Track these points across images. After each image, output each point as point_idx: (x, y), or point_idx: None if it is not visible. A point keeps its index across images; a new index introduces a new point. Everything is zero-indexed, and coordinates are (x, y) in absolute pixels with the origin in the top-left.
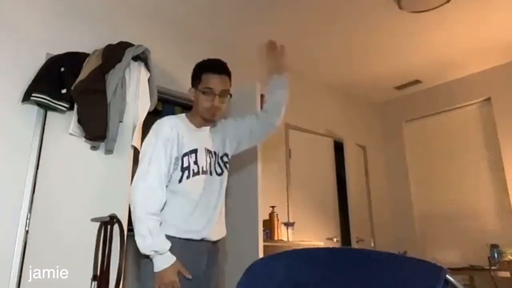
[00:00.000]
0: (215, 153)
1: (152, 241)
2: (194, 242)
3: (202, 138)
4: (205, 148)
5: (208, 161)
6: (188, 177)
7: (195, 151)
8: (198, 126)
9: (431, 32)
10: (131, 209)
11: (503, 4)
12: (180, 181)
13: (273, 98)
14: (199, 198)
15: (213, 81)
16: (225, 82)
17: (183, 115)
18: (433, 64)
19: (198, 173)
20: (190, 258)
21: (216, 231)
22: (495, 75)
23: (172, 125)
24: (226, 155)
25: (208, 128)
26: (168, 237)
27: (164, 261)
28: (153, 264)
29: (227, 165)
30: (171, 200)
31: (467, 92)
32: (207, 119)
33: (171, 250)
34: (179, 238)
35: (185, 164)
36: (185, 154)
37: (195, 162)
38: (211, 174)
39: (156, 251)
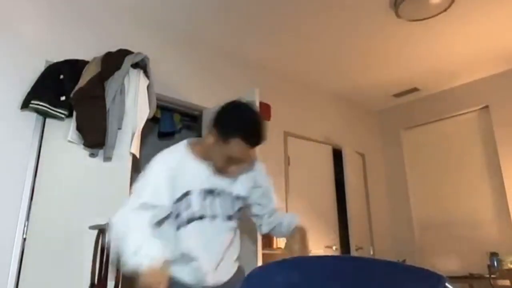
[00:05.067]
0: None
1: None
2: None
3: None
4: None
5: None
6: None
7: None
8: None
9: (429, 40)
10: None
11: (500, 13)
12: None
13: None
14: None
15: (244, 152)
16: (253, 150)
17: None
18: (431, 72)
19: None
20: None
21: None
22: (493, 83)
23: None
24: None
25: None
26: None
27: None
28: None
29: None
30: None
31: (465, 100)
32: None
33: None
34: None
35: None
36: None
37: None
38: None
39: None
